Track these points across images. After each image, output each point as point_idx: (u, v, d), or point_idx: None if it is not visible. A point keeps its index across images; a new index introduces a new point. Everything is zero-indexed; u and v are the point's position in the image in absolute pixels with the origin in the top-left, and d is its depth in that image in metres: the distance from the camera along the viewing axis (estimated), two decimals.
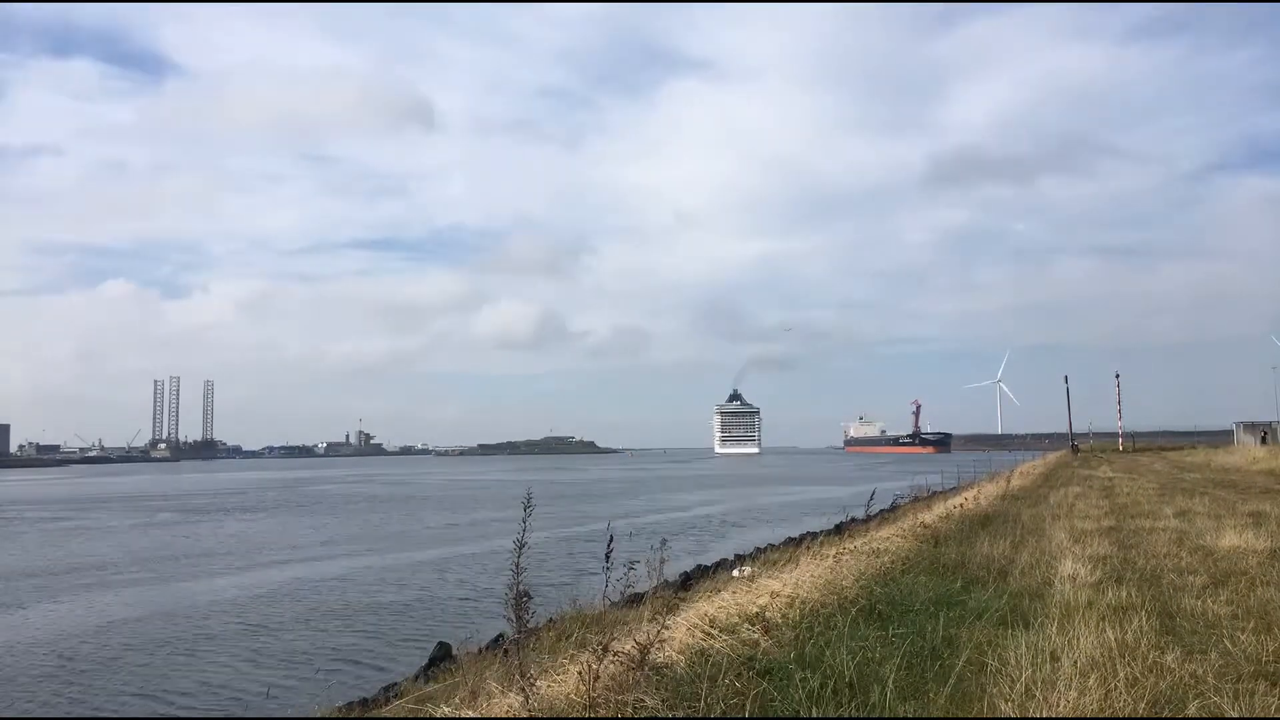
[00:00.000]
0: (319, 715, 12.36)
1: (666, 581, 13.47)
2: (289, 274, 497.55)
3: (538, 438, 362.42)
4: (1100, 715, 4.93)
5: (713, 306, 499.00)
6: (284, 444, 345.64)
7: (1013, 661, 5.85)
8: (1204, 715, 4.98)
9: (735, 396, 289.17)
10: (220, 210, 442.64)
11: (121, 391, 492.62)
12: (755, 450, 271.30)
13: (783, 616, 7.64)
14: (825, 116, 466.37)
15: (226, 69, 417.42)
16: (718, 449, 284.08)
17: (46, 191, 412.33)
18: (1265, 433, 59.33)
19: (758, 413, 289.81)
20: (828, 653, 6.08)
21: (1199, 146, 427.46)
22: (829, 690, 5.40)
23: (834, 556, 11.50)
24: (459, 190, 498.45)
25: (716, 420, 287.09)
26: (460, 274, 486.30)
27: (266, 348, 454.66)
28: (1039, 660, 5.82)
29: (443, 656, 14.86)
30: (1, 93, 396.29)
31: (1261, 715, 4.98)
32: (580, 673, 5.50)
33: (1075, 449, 62.50)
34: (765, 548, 25.98)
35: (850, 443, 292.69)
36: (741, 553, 25.54)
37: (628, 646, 5.68)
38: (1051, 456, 58.37)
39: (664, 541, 8.20)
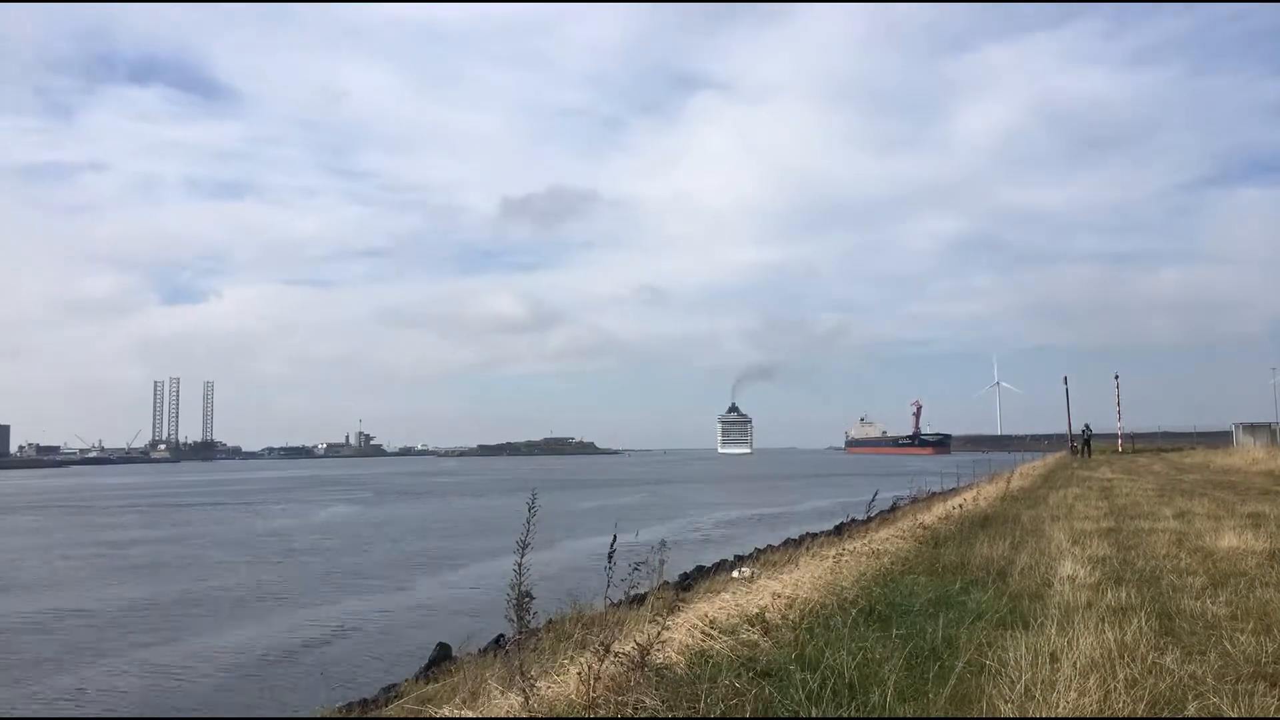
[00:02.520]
0: (319, 715, 12.38)
1: (666, 582, 13.48)
2: (300, 279, 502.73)
3: (537, 438, 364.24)
4: (1100, 716, 4.93)
5: (717, 310, 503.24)
6: (284, 445, 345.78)
7: (1012, 662, 5.86)
8: (1203, 716, 4.99)
9: (733, 408, 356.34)
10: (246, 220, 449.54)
11: (121, 393, 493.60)
12: (748, 450, 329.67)
13: (782, 617, 7.65)
14: (836, 132, 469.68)
15: (273, 92, 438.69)
16: (719, 450, 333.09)
17: (96, 204, 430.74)
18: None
19: (750, 421, 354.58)
20: (827, 653, 6.08)
21: (1197, 159, 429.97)
22: (829, 691, 5.41)
23: (834, 558, 11.51)
24: (475, 199, 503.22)
25: (718, 427, 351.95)
26: (467, 280, 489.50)
27: (268, 349, 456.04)
28: (1038, 661, 5.82)
29: (443, 657, 14.88)
30: (70, 113, 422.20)
31: (1261, 716, 4.98)
32: (580, 673, 5.51)
33: (1074, 450, 62.31)
34: (765, 548, 26.02)
35: (851, 444, 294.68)
36: (741, 553, 25.57)
37: (628, 647, 5.69)
38: (1051, 458, 58.33)
39: (664, 542, 8.21)
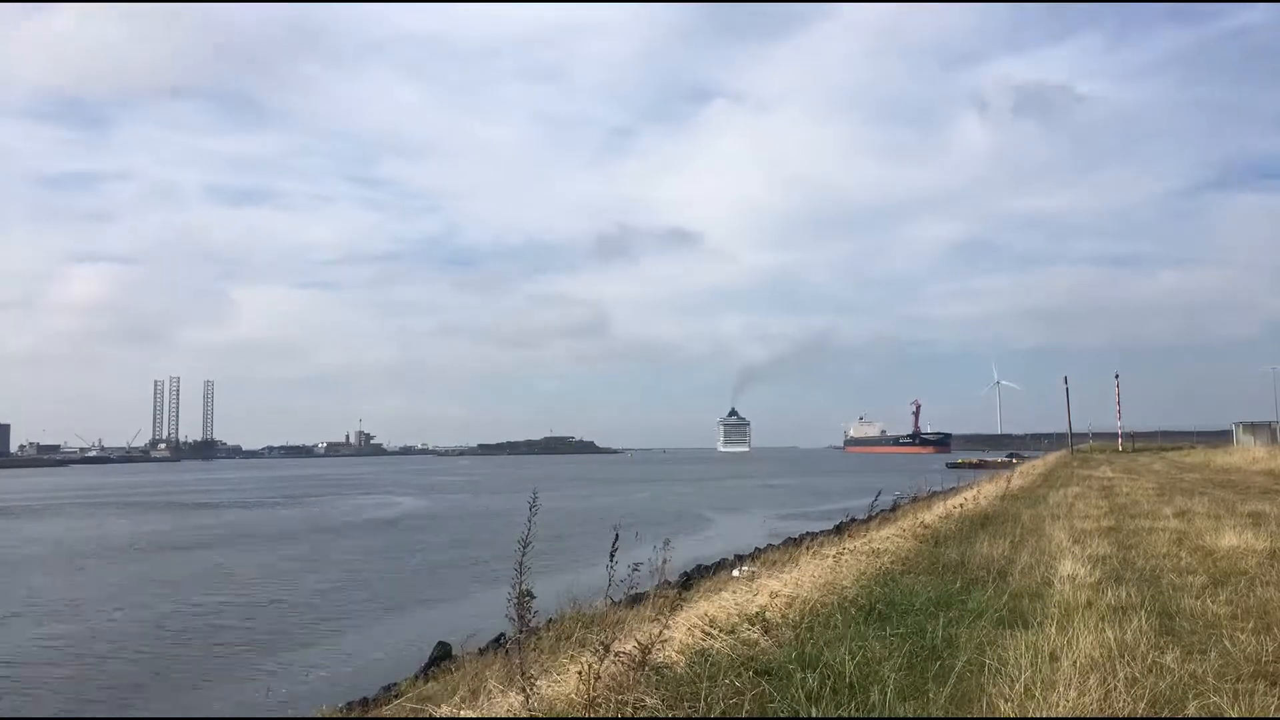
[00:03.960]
0: (319, 715, 12.38)
1: (667, 581, 13.48)
2: (306, 281, 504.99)
3: (538, 438, 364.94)
4: (1100, 715, 4.94)
5: (720, 312, 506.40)
6: (284, 444, 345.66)
7: (1012, 661, 5.86)
8: (1203, 715, 4.99)
9: (733, 412, 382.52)
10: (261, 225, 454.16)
11: (120, 392, 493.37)
12: (746, 449, 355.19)
13: (782, 616, 7.66)
14: (843, 140, 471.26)
15: (309, 109, 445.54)
16: (720, 449, 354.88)
17: (113, 210, 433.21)
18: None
19: (749, 424, 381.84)
20: (827, 653, 6.09)
21: (1195, 165, 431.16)
22: (829, 690, 5.41)
23: (834, 557, 11.51)
24: (486, 207, 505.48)
25: (720, 429, 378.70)
26: (470, 283, 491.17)
27: (268, 349, 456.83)
28: (1038, 660, 5.83)
29: (443, 656, 14.88)
30: (108, 125, 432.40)
31: (1261, 715, 4.99)
32: (581, 672, 5.51)
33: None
34: (765, 548, 26.03)
35: (850, 443, 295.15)
36: (741, 552, 25.56)
37: (629, 646, 5.69)
38: (1051, 457, 58.34)
39: (666, 541, 8.19)
